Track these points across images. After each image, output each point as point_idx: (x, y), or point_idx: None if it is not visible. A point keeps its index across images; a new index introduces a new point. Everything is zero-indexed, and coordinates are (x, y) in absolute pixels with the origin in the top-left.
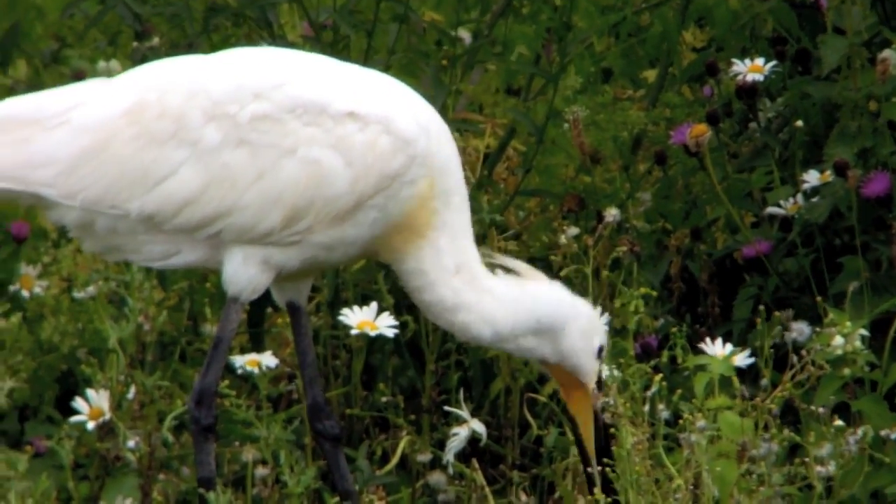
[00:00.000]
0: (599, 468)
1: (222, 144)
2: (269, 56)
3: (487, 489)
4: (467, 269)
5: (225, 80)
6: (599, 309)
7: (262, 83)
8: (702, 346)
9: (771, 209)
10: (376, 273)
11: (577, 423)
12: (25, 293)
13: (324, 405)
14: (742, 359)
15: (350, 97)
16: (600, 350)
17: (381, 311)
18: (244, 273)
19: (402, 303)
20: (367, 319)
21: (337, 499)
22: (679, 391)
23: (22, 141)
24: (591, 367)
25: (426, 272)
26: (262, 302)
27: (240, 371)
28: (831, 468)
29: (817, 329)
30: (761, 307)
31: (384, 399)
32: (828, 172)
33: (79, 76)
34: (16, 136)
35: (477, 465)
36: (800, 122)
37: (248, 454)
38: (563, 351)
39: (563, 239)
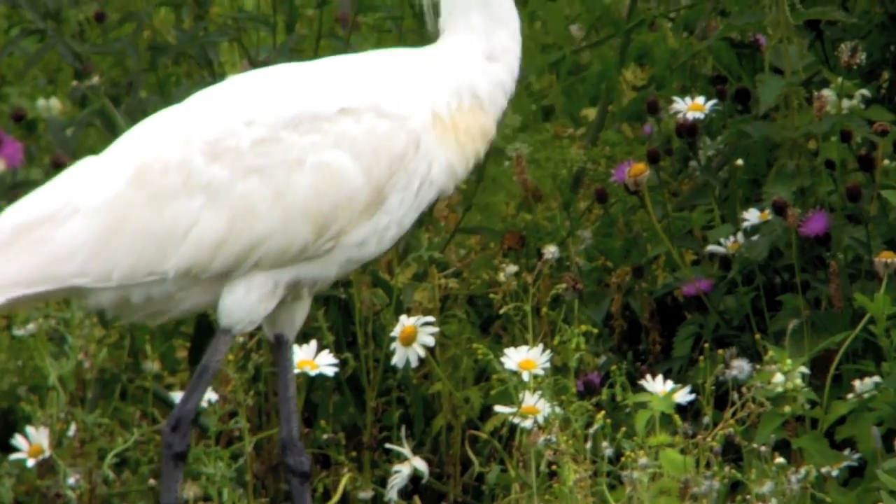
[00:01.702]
0: None
1: (233, 179)
2: (242, 84)
3: None
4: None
5: (212, 118)
6: None
7: (249, 110)
8: (643, 383)
9: (711, 247)
10: (316, 311)
11: None
12: None
13: (297, 441)
14: (683, 396)
15: (337, 93)
16: None
17: (321, 349)
18: (244, 305)
19: (343, 340)
20: (306, 358)
21: None
22: (622, 428)
23: (39, 242)
24: None
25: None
26: (203, 338)
27: None
28: None
29: (758, 367)
30: (704, 344)
31: (325, 436)
32: (767, 211)
33: (18, 114)
34: (31, 239)
35: (419, 503)
36: (740, 161)
37: (190, 491)
38: None
39: (502, 276)
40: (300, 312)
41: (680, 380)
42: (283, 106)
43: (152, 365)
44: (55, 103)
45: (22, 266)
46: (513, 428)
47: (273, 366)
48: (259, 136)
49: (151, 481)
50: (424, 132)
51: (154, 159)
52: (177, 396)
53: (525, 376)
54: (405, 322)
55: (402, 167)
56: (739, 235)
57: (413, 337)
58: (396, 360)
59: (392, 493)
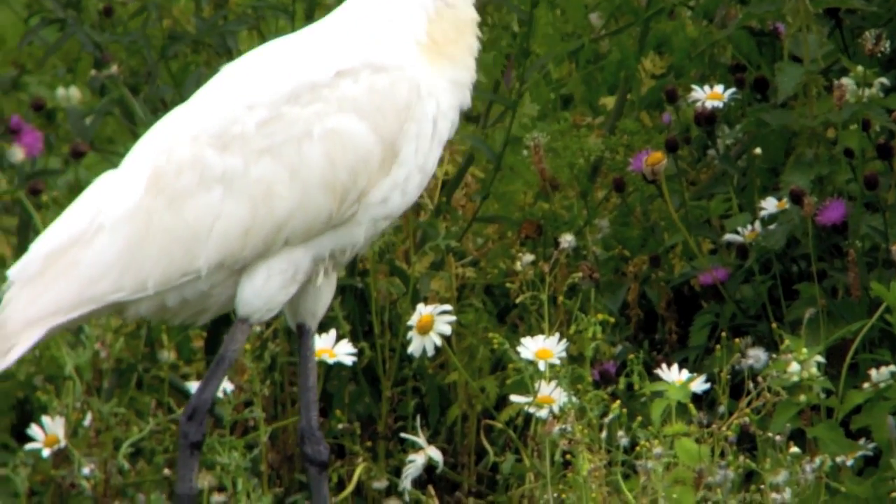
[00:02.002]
0: None
1: (246, 165)
2: (235, 71)
3: None
4: None
5: (214, 109)
6: None
7: (247, 94)
8: (659, 372)
9: (728, 236)
10: (333, 300)
11: None
12: None
13: (316, 430)
14: (699, 385)
15: (330, 58)
16: None
17: (338, 338)
18: (263, 293)
19: (359, 330)
20: (325, 347)
21: None
22: (637, 418)
23: (71, 266)
24: None
25: None
26: (219, 329)
27: None
28: (787, 495)
29: (773, 356)
30: (721, 334)
31: (340, 426)
32: (784, 200)
33: (38, 103)
34: (62, 265)
35: (433, 492)
36: (758, 150)
37: (205, 480)
38: None
39: (519, 266)
40: (323, 300)
41: (696, 369)
42: (279, 82)
43: (168, 354)
44: (74, 92)
45: (58, 293)
46: (528, 417)
47: (293, 355)
48: (262, 117)
49: (167, 471)
50: (423, 73)
51: (166, 162)
52: (193, 386)
53: (541, 366)
54: (422, 311)
55: (409, 116)
56: (757, 224)
57: (430, 326)
58: (413, 349)
59: (406, 482)
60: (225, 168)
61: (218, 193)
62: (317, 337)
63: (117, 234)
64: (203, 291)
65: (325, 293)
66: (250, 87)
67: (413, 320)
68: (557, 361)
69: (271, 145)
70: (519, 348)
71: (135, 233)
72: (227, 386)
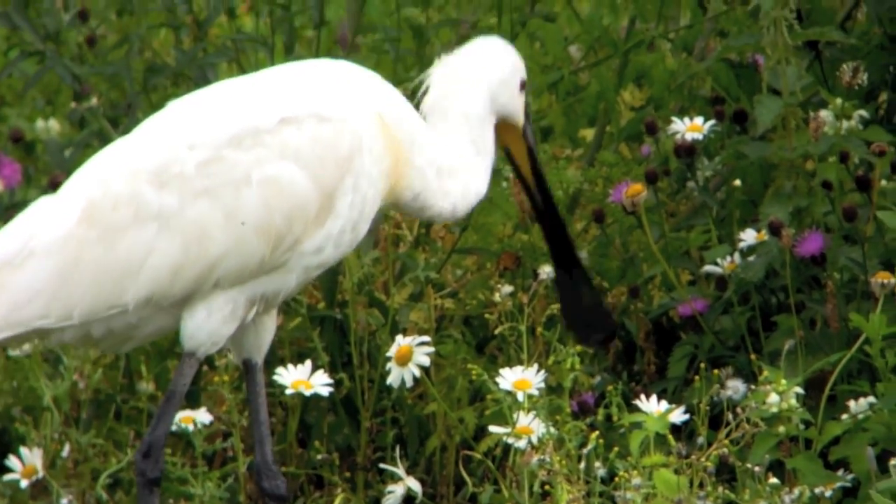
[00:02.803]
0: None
1: (182, 204)
2: (180, 109)
3: None
4: (438, 165)
5: (156, 146)
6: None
7: (190, 133)
8: (638, 403)
9: (708, 268)
10: (312, 331)
11: (515, 157)
12: None
13: (272, 464)
14: (677, 416)
15: (275, 105)
16: (523, 84)
17: (315, 368)
18: (206, 327)
19: (338, 360)
20: (301, 378)
21: None
22: (615, 448)
23: None
24: (519, 106)
25: (416, 191)
26: None
27: (175, 428)
28: None
29: (752, 387)
30: (699, 365)
31: (319, 456)
32: (763, 232)
33: (17, 135)
34: None
35: None
36: (737, 182)
37: None
38: (499, 104)
39: (498, 297)
40: (266, 335)
41: (675, 400)
42: (223, 124)
43: (147, 386)
44: (54, 124)
45: None
46: (507, 448)
47: (271, 385)
48: (203, 157)
49: None
50: (366, 130)
51: (102, 196)
52: None
53: (520, 396)
54: (400, 342)
55: (349, 169)
56: (736, 256)
57: (408, 357)
58: (391, 380)
59: None
60: (161, 206)
61: (152, 230)
62: (292, 368)
63: (48, 261)
64: (130, 324)
65: (266, 329)
66: (194, 126)
67: (392, 351)
68: (536, 392)
69: (209, 187)
70: (497, 379)
71: (65, 262)
72: (205, 417)
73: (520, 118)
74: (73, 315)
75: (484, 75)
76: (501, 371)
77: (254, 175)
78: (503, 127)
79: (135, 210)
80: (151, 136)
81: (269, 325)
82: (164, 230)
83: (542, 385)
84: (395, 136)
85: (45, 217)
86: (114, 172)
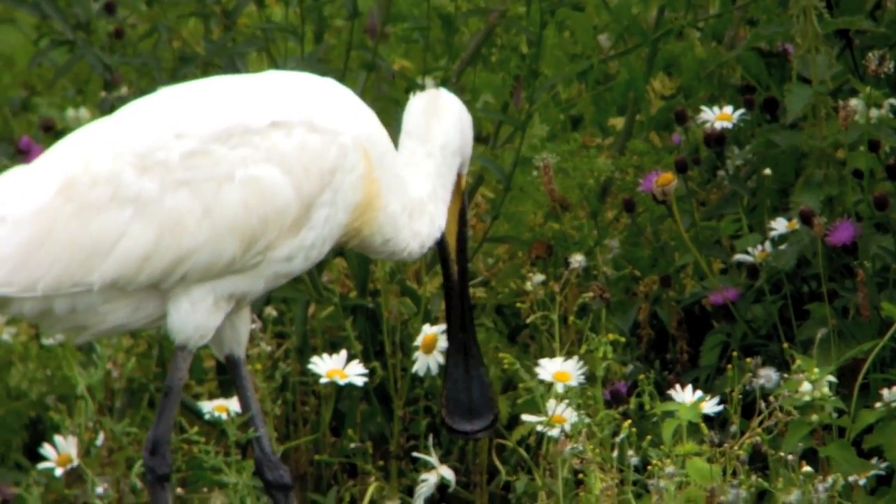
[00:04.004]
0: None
1: (162, 192)
2: (173, 96)
3: None
4: (412, 205)
5: (143, 130)
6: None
7: (179, 122)
8: (670, 392)
9: (739, 256)
10: (344, 320)
11: (448, 213)
12: None
13: (271, 455)
14: (710, 405)
15: (268, 108)
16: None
17: (349, 358)
18: (192, 320)
19: (371, 349)
20: (336, 367)
21: None
22: (648, 437)
23: None
24: (469, 159)
25: (387, 237)
26: None
27: (208, 417)
28: None
29: (785, 375)
30: (732, 353)
31: (352, 445)
32: (795, 220)
33: (47, 124)
34: None
35: None
36: (768, 171)
37: (217, 500)
38: (465, 149)
39: (529, 286)
40: (243, 328)
41: (707, 389)
42: (214, 119)
43: None
44: (84, 114)
45: None
46: (540, 437)
47: (304, 374)
48: (189, 148)
49: (179, 490)
50: (352, 149)
51: (83, 171)
52: (204, 406)
53: (559, 387)
54: (427, 330)
55: (331, 182)
56: (767, 244)
57: (434, 344)
58: (418, 367)
59: (419, 501)
60: (140, 190)
61: (128, 213)
62: (327, 357)
63: (19, 229)
64: (94, 305)
65: (242, 322)
66: (184, 115)
67: (418, 340)
68: (576, 384)
69: (191, 179)
70: (537, 370)
71: (37, 233)
72: (237, 406)
73: (465, 171)
74: (37, 287)
75: (461, 115)
76: (540, 362)
77: (237, 173)
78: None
79: (113, 191)
80: (140, 119)
81: (245, 319)
82: (140, 215)
83: (583, 377)
84: (372, 175)
85: (20, 186)
86: (97, 150)
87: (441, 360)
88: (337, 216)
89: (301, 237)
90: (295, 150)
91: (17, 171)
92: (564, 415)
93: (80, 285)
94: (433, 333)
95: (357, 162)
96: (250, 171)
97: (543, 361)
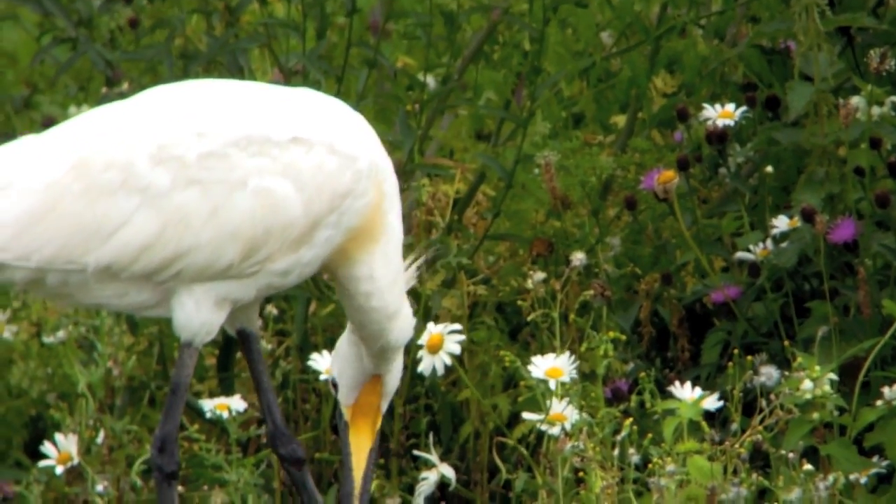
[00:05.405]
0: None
1: (173, 187)
2: (204, 92)
3: None
4: (401, 277)
5: (165, 122)
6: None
7: (203, 121)
8: (671, 390)
9: (740, 254)
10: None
11: (354, 450)
12: None
13: (284, 430)
14: (711, 403)
15: (292, 123)
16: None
17: None
18: (197, 318)
19: None
20: None
21: None
22: (649, 435)
23: None
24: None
25: (376, 278)
26: (231, 347)
27: (209, 415)
28: None
29: (786, 373)
30: (733, 351)
31: None
32: (796, 218)
33: (49, 122)
34: None
35: None
36: (769, 168)
37: (217, 498)
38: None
39: (530, 283)
40: (253, 304)
41: (708, 386)
42: (238, 124)
43: None
44: (86, 111)
45: None
46: (540, 435)
47: (305, 372)
48: (207, 149)
49: (180, 488)
50: (367, 176)
51: (98, 153)
52: (205, 404)
53: (552, 384)
54: (432, 330)
55: (339, 206)
56: (768, 242)
57: (439, 345)
58: (423, 368)
59: (419, 499)
60: (151, 181)
61: (134, 202)
62: (327, 353)
63: (24, 198)
64: (85, 282)
65: (251, 303)
66: (209, 115)
67: (423, 339)
68: (568, 380)
69: (204, 179)
70: (529, 367)
71: (41, 205)
72: (239, 404)
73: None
74: (32, 258)
75: None
76: (533, 359)
77: (250, 182)
78: (366, 407)
79: (125, 177)
80: (164, 109)
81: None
82: (147, 206)
83: (575, 373)
84: (382, 206)
85: (32, 155)
86: (116, 134)
87: (447, 360)
88: (336, 238)
89: (300, 254)
90: (312, 168)
91: (31, 140)
92: (565, 413)
93: (74, 264)
94: (438, 334)
95: (368, 189)
96: (264, 181)
97: (536, 359)
